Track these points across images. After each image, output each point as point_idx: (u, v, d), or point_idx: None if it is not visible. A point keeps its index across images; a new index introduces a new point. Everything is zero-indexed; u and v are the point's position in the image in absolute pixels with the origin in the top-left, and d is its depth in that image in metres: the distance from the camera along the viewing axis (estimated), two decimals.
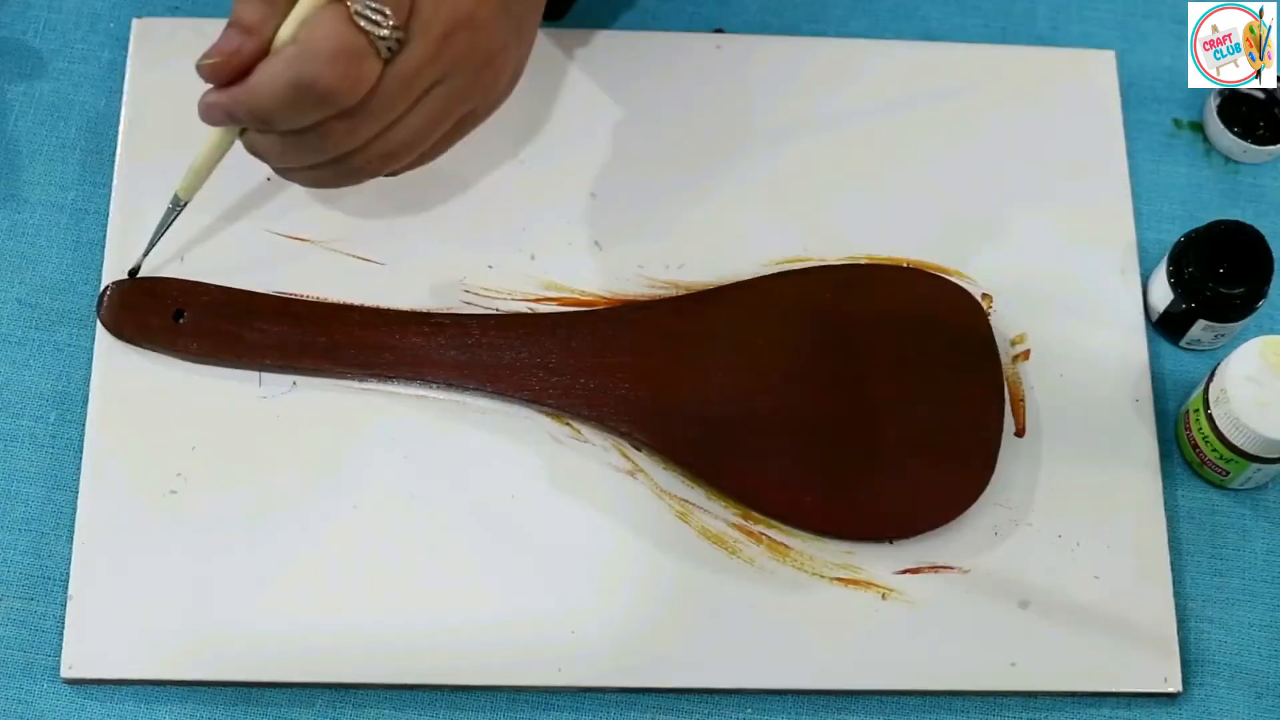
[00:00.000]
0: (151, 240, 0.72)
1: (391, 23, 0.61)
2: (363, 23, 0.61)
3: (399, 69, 0.62)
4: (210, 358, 0.72)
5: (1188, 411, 0.73)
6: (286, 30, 0.62)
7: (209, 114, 0.65)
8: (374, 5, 0.61)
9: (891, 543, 0.71)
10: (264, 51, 0.63)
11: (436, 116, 0.65)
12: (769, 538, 0.71)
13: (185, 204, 0.70)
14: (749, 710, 0.70)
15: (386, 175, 0.68)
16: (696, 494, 0.72)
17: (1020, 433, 0.73)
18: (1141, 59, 0.82)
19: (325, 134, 0.64)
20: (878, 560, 0.71)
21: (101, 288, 0.73)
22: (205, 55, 0.63)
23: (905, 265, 0.76)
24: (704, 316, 0.74)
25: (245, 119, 0.64)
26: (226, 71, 0.63)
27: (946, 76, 0.80)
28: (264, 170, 0.75)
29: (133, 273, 0.73)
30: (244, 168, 0.75)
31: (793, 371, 0.73)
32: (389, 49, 0.62)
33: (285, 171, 0.68)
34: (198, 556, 0.69)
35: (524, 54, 0.69)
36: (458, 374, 0.72)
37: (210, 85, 0.64)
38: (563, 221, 0.76)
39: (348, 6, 0.61)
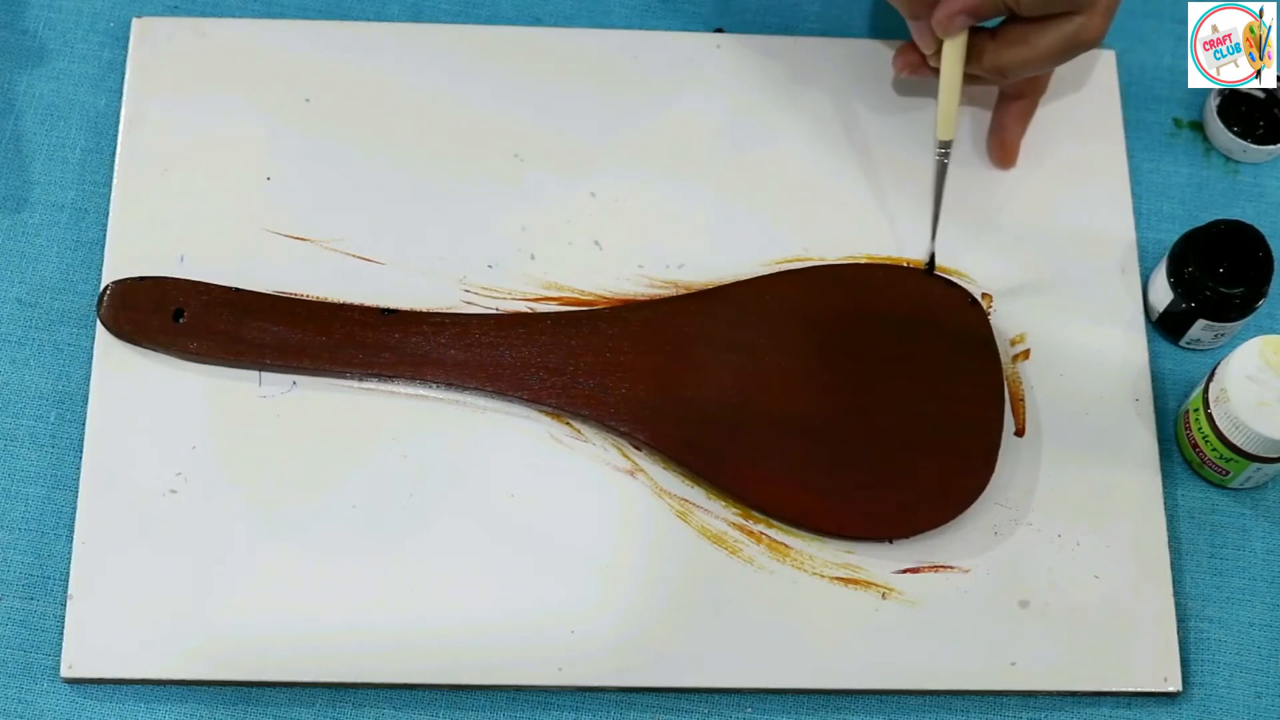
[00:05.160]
0: (935, 208, 0.75)
1: None
2: None
3: None
4: (210, 358, 0.72)
5: (1187, 411, 0.73)
6: None
7: (949, 26, 0.69)
8: None
9: (891, 542, 0.71)
10: None
11: None
12: (769, 537, 0.71)
13: (949, 145, 0.73)
14: (749, 710, 0.70)
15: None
16: (696, 494, 0.72)
17: (1020, 433, 0.73)
18: (1141, 59, 0.82)
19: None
20: (877, 560, 0.71)
21: (101, 287, 0.73)
22: None
23: (905, 265, 0.76)
24: (704, 316, 0.74)
25: (993, 9, 0.68)
26: None
27: None
28: (264, 170, 0.76)
29: (930, 267, 0.75)
30: (244, 167, 0.76)
31: (793, 371, 0.73)
32: None
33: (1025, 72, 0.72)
34: (197, 556, 0.69)
35: None
36: (458, 374, 0.72)
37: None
38: (563, 221, 0.76)
39: None
